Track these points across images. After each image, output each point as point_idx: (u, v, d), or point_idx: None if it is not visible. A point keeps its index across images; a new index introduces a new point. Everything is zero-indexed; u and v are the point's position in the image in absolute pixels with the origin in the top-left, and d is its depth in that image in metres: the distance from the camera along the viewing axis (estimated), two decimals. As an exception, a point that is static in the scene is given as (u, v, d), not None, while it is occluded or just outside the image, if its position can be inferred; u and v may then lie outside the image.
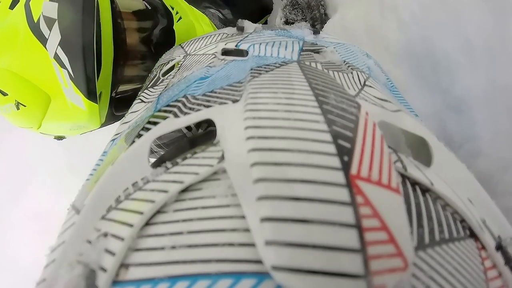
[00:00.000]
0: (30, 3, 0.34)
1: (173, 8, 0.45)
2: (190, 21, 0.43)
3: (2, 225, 1.58)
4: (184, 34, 0.43)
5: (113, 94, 0.41)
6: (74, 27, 0.33)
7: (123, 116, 0.41)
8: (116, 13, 0.38)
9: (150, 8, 0.43)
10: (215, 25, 0.59)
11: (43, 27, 0.34)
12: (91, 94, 0.34)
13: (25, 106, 0.37)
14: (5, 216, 1.59)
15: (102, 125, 0.43)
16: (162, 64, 0.35)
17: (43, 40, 0.34)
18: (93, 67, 0.34)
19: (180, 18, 0.44)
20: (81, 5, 0.33)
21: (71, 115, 0.37)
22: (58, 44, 0.33)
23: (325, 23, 0.68)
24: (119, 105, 0.43)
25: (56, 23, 0.33)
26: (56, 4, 0.33)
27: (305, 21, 0.70)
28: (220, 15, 0.67)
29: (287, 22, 0.72)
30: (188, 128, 0.38)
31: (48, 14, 0.33)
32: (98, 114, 0.37)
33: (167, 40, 0.43)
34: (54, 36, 0.33)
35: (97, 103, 0.35)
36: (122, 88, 0.42)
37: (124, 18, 0.39)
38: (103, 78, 0.37)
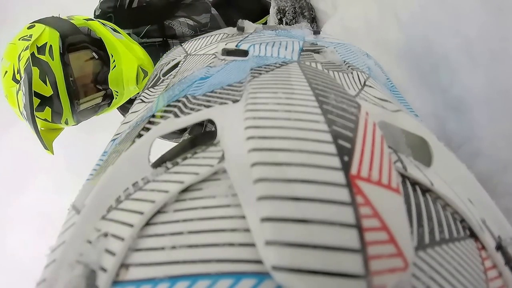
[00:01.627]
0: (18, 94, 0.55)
1: (112, 56, 0.59)
2: (120, 69, 0.58)
3: (1, 224, 1.58)
4: (113, 81, 0.58)
5: (77, 110, 0.60)
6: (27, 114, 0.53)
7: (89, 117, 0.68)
8: (68, 73, 0.56)
9: (97, 58, 0.59)
10: (183, 32, 0.74)
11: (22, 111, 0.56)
12: (39, 137, 0.57)
13: None
14: (4, 215, 1.59)
15: (75, 124, 0.64)
16: (163, 64, 0.35)
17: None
18: (36, 126, 0.55)
19: (115, 66, 0.58)
20: (29, 104, 0.51)
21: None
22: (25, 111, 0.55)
23: (312, 10, 0.73)
24: (84, 113, 0.63)
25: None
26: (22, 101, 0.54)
27: (294, 8, 0.72)
28: (191, 22, 0.75)
29: (279, 10, 0.74)
30: None
31: (23, 101, 0.53)
32: (50, 145, 0.61)
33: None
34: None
35: (40, 137, 0.57)
36: (83, 106, 0.61)
37: (76, 74, 0.58)
38: (66, 111, 0.57)
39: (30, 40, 0.52)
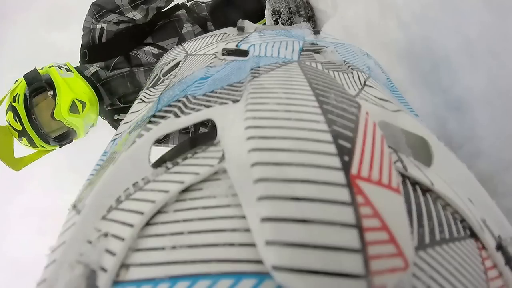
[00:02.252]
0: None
1: (57, 94, 0.74)
2: (59, 104, 0.74)
3: (1, 224, 1.59)
4: (57, 114, 0.73)
5: (52, 140, 0.77)
6: None
7: (68, 142, 0.83)
8: (30, 113, 0.74)
9: (52, 94, 0.75)
10: (148, 61, 0.83)
11: None
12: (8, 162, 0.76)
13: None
14: (4, 214, 1.59)
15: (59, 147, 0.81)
16: (163, 64, 0.35)
17: None
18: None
19: (57, 103, 0.74)
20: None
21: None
22: None
23: (309, 9, 0.73)
24: (61, 139, 0.79)
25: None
26: None
27: (289, 8, 0.73)
28: (156, 50, 0.84)
29: (274, 12, 0.75)
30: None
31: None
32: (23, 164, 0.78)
33: None
34: None
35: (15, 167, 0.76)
36: (53, 135, 0.77)
37: (37, 112, 0.75)
38: (36, 140, 0.75)
39: (8, 94, 0.76)
